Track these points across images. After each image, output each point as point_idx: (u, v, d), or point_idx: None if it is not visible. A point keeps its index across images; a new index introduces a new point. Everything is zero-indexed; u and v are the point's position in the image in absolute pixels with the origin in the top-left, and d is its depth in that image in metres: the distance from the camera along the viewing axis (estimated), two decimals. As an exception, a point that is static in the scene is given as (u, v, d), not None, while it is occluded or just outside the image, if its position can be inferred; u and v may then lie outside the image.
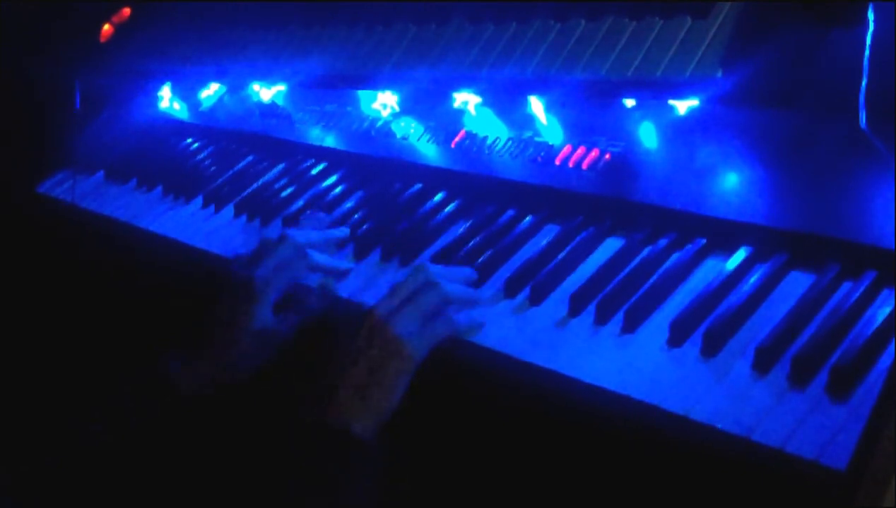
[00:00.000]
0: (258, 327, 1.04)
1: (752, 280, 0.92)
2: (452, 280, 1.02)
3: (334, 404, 0.91)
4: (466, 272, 1.05)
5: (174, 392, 1.01)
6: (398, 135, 1.36)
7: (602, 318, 0.95)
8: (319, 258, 1.12)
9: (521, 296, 1.02)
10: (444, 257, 1.11)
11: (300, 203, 1.35)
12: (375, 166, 1.36)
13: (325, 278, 1.12)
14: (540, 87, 1.21)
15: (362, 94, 1.45)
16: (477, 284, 1.05)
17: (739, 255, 0.96)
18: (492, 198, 1.19)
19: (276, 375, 1.05)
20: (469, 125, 1.29)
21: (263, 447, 0.93)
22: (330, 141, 1.45)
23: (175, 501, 0.97)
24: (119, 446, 1.01)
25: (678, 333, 0.89)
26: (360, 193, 1.32)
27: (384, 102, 1.40)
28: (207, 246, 1.35)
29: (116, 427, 1.01)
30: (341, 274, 1.13)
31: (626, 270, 1.00)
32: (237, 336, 1.04)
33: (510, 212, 1.16)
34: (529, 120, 1.23)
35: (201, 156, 1.63)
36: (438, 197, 1.24)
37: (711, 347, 0.87)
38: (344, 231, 1.21)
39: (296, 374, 1.03)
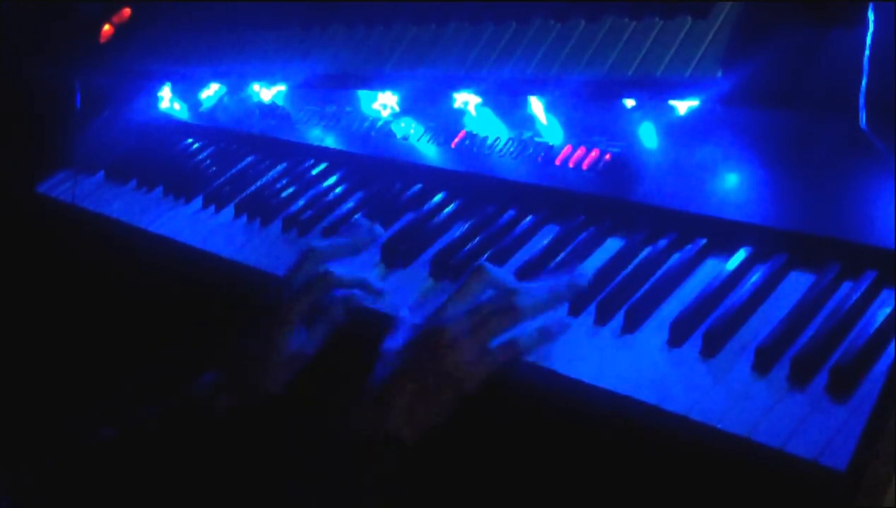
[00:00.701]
0: (289, 350, 1.04)
1: (752, 280, 0.92)
2: (542, 301, 0.94)
3: (386, 419, 0.90)
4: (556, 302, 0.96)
5: (208, 414, 1.01)
6: (398, 136, 1.36)
7: (602, 318, 0.95)
8: (344, 272, 1.09)
9: (522, 296, 1.02)
10: (445, 257, 1.10)
11: (300, 203, 1.35)
12: (376, 166, 1.36)
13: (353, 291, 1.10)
14: (540, 87, 1.21)
15: (362, 95, 1.45)
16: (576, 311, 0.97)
17: (739, 255, 0.96)
18: (492, 199, 1.19)
19: (302, 385, 1.05)
20: (469, 125, 1.29)
21: (283, 457, 0.93)
22: (330, 141, 1.45)
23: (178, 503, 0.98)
24: (121, 447, 1.01)
25: (678, 333, 0.89)
26: (360, 193, 1.32)
27: (384, 102, 1.40)
28: (208, 246, 1.35)
29: (125, 431, 1.01)
30: (363, 286, 1.10)
31: (627, 270, 1.00)
32: (268, 360, 1.04)
33: (510, 213, 1.16)
34: (529, 120, 1.23)
35: (201, 156, 1.63)
36: (438, 197, 1.24)
37: (711, 347, 0.87)
38: (376, 230, 1.19)
39: (329, 385, 1.03)
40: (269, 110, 1.60)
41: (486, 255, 1.08)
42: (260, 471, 0.94)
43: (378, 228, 1.18)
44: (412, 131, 1.35)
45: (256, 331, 1.06)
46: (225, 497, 0.96)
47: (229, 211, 1.42)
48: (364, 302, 1.09)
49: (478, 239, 1.12)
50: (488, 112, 1.28)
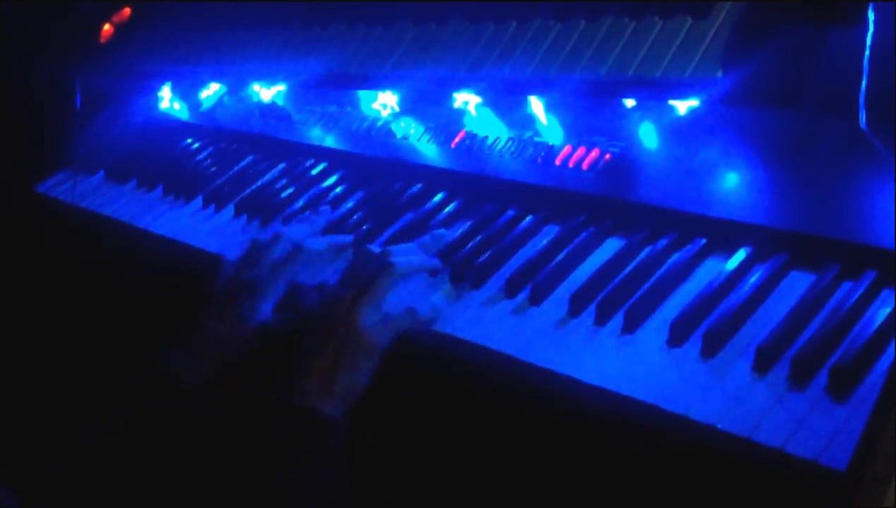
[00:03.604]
0: (256, 326, 1.05)
1: (752, 280, 0.92)
2: (411, 252, 1.06)
3: (305, 390, 0.94)
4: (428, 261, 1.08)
5: (174, 386, 1.02)
6: (398, 136, 1.36)
7: (602, 318, 0.95)
8: (315, 244, 1.11)
9: (522, 296, 1.02)
10: (446, 257, 1.11)
11: (300, 203, 1.35)
12: (375, 166, 1.36)
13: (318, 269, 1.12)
14: (540, 87, 1.21)
15: (362, 94, 1.45)
16: (435, 273, 1.08)
17: (739, 255, 0.96)
18: (492, 199, 1.19)
19: (263, 364, 1.06)
20: (469, 125, 1.29)
21: (250, 433, 0.94)
22: (330, 141, 1.45)
23: (170, 492, 0.98)
24: (117, 442, 1.01)
25: (678, 333, 0.89)
26: (360, 193, 1.32)
27: (384, 102, 1.40)
28: (208, 246, 1.35)
29: (116, 424, 1.02)
30: (338, 250, 1.13)
31: (627, 270, 1.00)
32: (235, 335, 1.04)
33: (510, 213, 1.16)
34: (529, 120, 1.23)
35: (201, 156, 1.63)
36: (438, 197, 1.24)
37: (711, 347, 0.87)
38: (327, 212, 1.23)
39: (275, 362, 1.04)
40: (269, 110, 1.60)
41: (486, 255, 1.08)
42: (226, 448, 0.95)
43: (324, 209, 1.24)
44: (412, 131, 1.35)
45: (222, 306, 1.07)
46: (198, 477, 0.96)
47: (229, 211, 1.42)
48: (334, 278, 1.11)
49: (478, 238, 1.12)
50: (488, 112, 1.28)
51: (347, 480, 0.93)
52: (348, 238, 1.17)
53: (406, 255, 1.04)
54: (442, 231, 1.13)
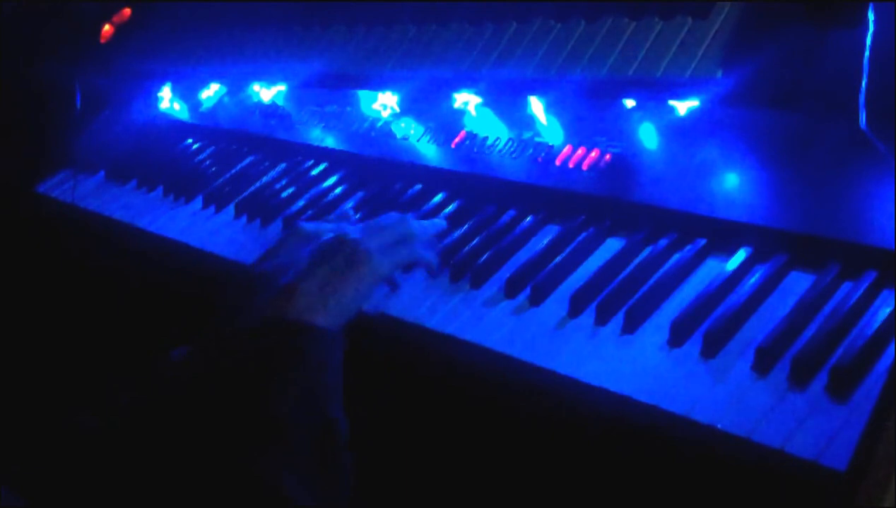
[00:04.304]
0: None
1: (753, 280, 0.92)
2: (423, 227, 1.08)
3: (292, 302, 0.91)
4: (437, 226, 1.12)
5: (172, 377, 1.01)
6: (398, 136, 1.36)
7: (602, 319, 0.95)
8: (316, 225, 1.11)
9: (522, 297, 1.02)
10: (446, 257, 1.10)
11: (301, 203, 1.35)
12: (376, 167, 1.36)
13: None
14: (540, 87, 1.21)
15: (362, 95, 1.45)
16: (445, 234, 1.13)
17: (739, 256, 0.96)
18: (492, 199, 1.19)
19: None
20: (469, 125, 1.29)
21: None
22: (330, 141, 1.45)
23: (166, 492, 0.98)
24: (117, 442, 1.01)
25: (678, 333, 0.89)
26: (360, 194, 1.32)
27: (384, 103, 1.40)
28: (208, 246, 1.35)
29: (115, 422, 1.02)
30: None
31: (627, 271, 1.00)
32: (245, 329, 1.04)
33: (510, 213, 1.16)
34: (529, 120, 1.23)
35: (202, 156, 1.63)
36: (438, 197, 1.24)
37: (711, 347, 0.87)
38: (347, 212, 1.22)
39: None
40: (269, 110, 1.60)
41: (486, 255, 1.08)
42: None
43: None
44: (412, 131, 1.35)
45: (236, 299, 1.06)
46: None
47: (229, 211, 1.42)
48: None
49: (478, 239, 1.12)
50: (488, 112, 1.28)
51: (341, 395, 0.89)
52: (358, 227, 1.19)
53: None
54: (443, 221, 1.15)
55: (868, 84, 0.91)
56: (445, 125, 1.31)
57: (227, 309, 1.06)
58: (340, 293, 0.93)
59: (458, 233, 1.15)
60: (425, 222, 1.12)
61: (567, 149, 1.16)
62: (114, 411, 1.02)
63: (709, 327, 0.88)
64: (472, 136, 1.27)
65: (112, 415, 1.01)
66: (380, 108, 1.41)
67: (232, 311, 1.05)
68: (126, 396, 1.03)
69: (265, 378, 0.86)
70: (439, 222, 1.14)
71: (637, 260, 1.01)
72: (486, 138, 1.26)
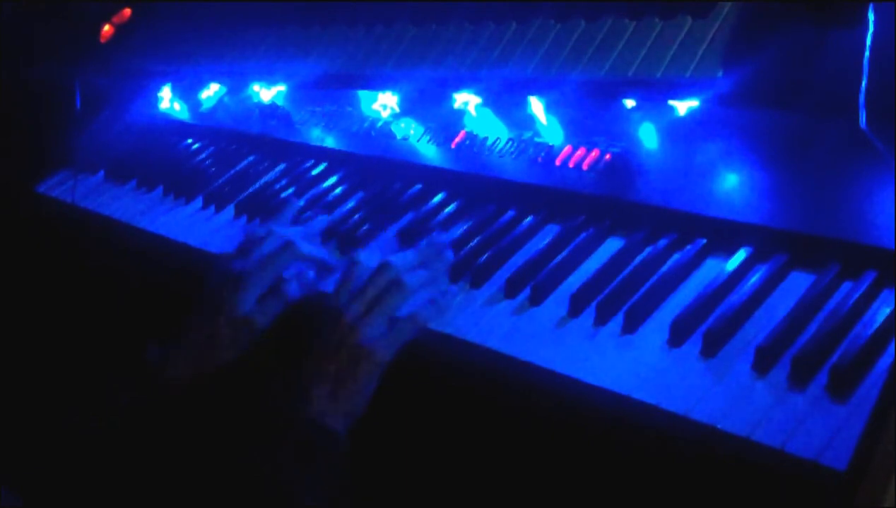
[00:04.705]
0: (239, 318, 1.05)
1: (753, 280, 0.92)
2: (415, 266, 1.04)
3: (309, 401, 0.95)
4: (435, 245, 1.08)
5: (155, 378, 1.02)
6: (398, 136, 1.36)
7: (602, 318, 0.95)
8: (307, 248, 1.12)
9: (522, 297, 1.02)
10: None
11: (301, 203, 1.35)
12: (375, 167, 1.35)
13: (304, 267, 1.13)
14: (540, 87, 1.21)
15: (362, 95, 1.45)
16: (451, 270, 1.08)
17: (739, 256, 0.96)
18: (492, 199, 1.19)
19: (256, 366, 1.06)
20: (469, 125, 1.29)
21: (248, 436, 0.95)
22: (330, 141, 1.45)
23: (159, 491, 0.98)
24: (115, 442, 1.01)
25: (678, 333, 0.89)
26: (360, 194, 1.32)
27: (384, 103, 1.40)
28: (208, 246, 1.35)
29: (113, 424, 1.02)
30: (327, 269, 1.14)
31: (627, 270, 1.00)
32: (218, 326, 1.04)
33: (510, 213, 1.16)
34: (529, 120, 1.23)
35: (201, 156, 1.63)
36: (438, 197, 1.24)
37: (711, 347, 0.87)
38: (323, 219, 1.23)
39: (273, 365, 1.04)
40: (269, 110, 1.60)
41: (486, 255, 1.08)
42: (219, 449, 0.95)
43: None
44: (412, 131, 1.35)
45: (207, 297, 1.07)
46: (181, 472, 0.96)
47: (229, 211, 1.42)
48: (318, 284, 1.11)
49: (478, 239, 1.12)
50: (488, 112, 1.28)
51: (348, 498, 0.93)
52: (323, 218, 1.22)
53: (410, 267, 1.04)
54: (442, 236, 1.12)
55: (868, 84, 0.91)
56: (445, 125, 1.31)
57: (199, 306, 1.07)
58: (349, 394, 0.96)
59: (457, 233, 1.15)
60: (421, 280, 1.04)
61: (567, 149, 1.16)
62: (114, 411, 1.02)
63: (709, 327, 0.88)
64: (472, 136, 1.27)
65: (112, 415, 1.01)
66: (380, 108, 1.41)
67: (204, 309, 1.06)
68: (126, 396, 1.03)
69: (276, 473, 0.90)
70: (438, 276, 1.06)
71: (637, 260, 1.01)
72: (486, 138, 1.26)
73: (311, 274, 1.12)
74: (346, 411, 0.95)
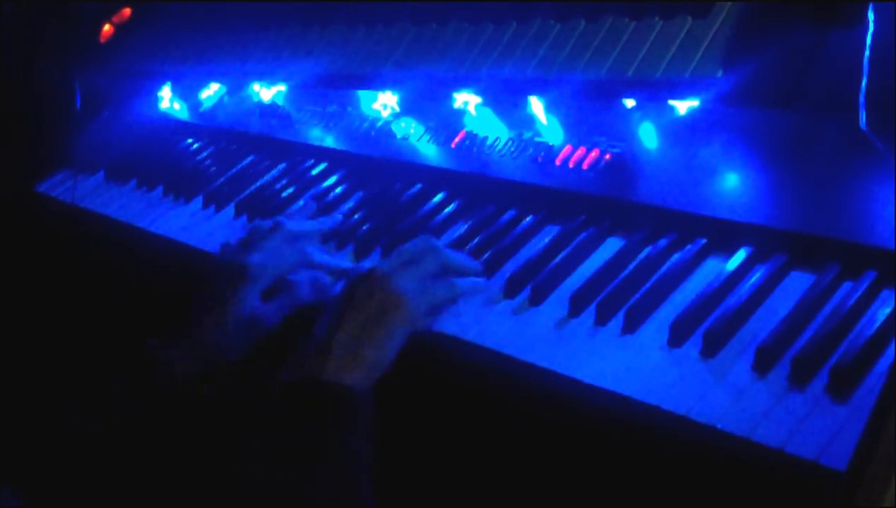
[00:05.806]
0: (245, 312, 1.04)
1: (753, 280, 0.92)
2: (457, 258, 1.04)
3: (328, 360, 0.89)
4: (473, 262, 1.06)
5: (160, 373, 1.01)
6: (398, 136, 1.36)
7: (602, 318, 0.95)
8: (320, 257, 1.12)
9: (522, 297, 1.02)
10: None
11: (301, 203, 1.35)
12: (376, 166, 1.36)
13: (319, 273, 1.12)
14: (540, 87, 1.21)
15: (362, 95, 1.45)
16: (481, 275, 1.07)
17: (739, 256, 0.96)
18: (492, 199, 1.19)
19: (263, 365, 1.06)
20: (469, 125, 1.29)
21: (251, 434, 0.93)
22: (330, 141, 1.45)
23: (164, 490, 0.98)
24: (117, 440, 1.01)
25: (678, 333, 0.89)
26: (360, 193, 1.32)
27: (384, 102, 1.40)
28: (208, 246, 1.35)
29: (116, 421, 1.02)
30: (341, 274, 1.13)
31: (627, 270, 1.00)
32: (223, 319, 1.04)
33: (510, 213, 1.16)
34: (529, 120, 1.23)
35: (201, 156, 1.63)
36: (438, 197, 1.24)
37: (711, 347, 0.87)
38: (336, 218, 1.22)
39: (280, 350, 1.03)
40: (269, 110, 1.60)
41: (486, 255, 1.08)
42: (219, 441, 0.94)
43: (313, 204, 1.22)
44: (412, 131, 1.35)
45: (212, 290, 1.06)
46: (188, 470, 0.95)
47: (229, 211, 1.42)
48: (332, 288, 1.10)
49: (478, 239, 1.12)
50: (488, 112, 1.28)
51: (372, 461, 0.88)
52: (337, 218, 1.21)
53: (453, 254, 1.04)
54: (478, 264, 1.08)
55: (868, 84, 0.91)
56: (445, 125, 1.31)
57: (204, 299, 1.06)
58: (375, 344, 0.91)
59: (457, 234, 1.15)
60: (459, 255, 1.05)
61: (567, 148, 1.16)
62: (114, 411, 1.02)
63: (709, 327, 0.88)
64: (472, 136, 1.27)
65: (112, 415, 1.01)
66: (380, 108, 1.41)
67: (209, 302, 1.05)
68: (126, 396, 1.03)
69: (299, 450, 0.85)
70: (474, 264, 1.06)
71: (637, 260, 1.01)
72: (486, 138, 1.26)
73: (326, 278, 1.12)
74: (371, 363, 0.90)
